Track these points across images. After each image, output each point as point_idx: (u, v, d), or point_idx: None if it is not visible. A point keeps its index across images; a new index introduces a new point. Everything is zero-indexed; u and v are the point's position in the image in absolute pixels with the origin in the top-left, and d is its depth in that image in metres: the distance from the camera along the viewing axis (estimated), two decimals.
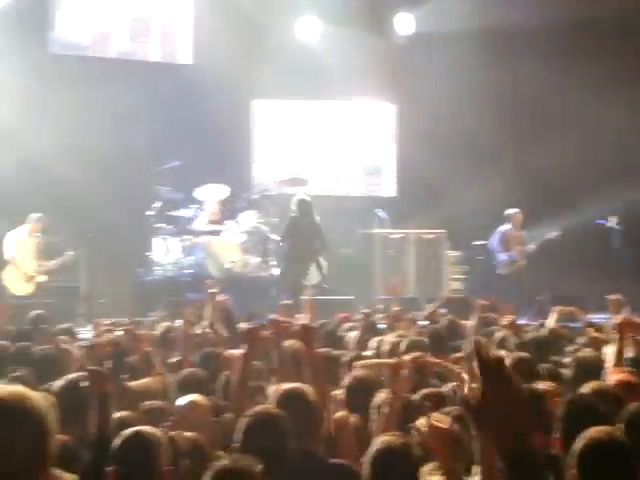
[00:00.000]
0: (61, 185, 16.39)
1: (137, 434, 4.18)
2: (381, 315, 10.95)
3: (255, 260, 17.09)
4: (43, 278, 14.95)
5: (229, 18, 17.77)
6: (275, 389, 5.21)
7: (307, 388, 5.01)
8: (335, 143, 20.05)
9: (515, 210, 16.67)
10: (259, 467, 3.88)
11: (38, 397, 2.63)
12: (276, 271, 17.03)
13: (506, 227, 16.72)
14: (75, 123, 16.64)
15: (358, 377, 5.93)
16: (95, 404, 4.61)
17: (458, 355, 7.48)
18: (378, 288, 16.02)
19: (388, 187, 20.14)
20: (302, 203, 15.94)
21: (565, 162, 17.87)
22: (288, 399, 4.90)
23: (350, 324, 10.23)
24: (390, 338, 8.12)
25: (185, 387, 6.15)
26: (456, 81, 18.58)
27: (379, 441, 4.23)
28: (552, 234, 16.52)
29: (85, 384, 4.80)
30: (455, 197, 17.86)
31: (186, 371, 6.55)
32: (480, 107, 18.26)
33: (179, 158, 17.07)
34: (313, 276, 15.79)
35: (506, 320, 9.08)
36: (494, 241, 16.73)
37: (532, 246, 16.55)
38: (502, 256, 16.58)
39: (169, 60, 18.88)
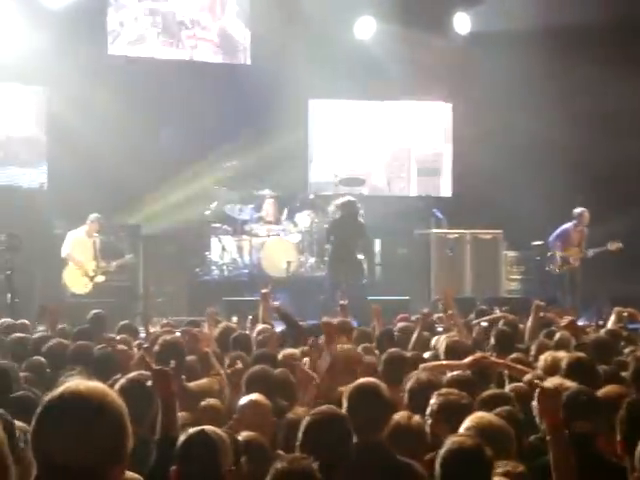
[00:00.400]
0: (120, 185, 16.53)
1: (200, 433, 4.18)
2: (437, 316, 10.90)
3: (311, 260, 17.12)
4: (101, 278, 15.07)
5: (286, 19, 17.79)
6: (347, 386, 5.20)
7: (380, 383, 5.01)
8: (392, 143, 20.01)
9: (583, 209, 16.32)
10: (316, 466, 3.89)
11: (115, 394, 2.62)
12: None
13: (569, 225, 16.41)
14: (133, 123, 16.77)
15: (420, 379, 5.91)
16: (160, 404, 4.61)
17: (515, 356, 7.43)
18: (435, 288, 15.95)
19: (445, 187, 20.07)
20: (345, 204, 15.84)
21: (627, 161, 17.66)
22: (362, 393, 4.91)
23: (404, 324, 10.18)
24: (442, 339, 8.13)
25: (252, 384, 6.09)
26: (513, 80, 18.45)
27: (450, 441, 4.19)
28: (614, 245, 16.13)
29: (149, 384, 4.79)
30: (512, 197, 17.74)
31: (257, 367, 6.49)
32: (538, 106, 18.15)
33: (236, 158, 17.13)
34: (356, 275, 15.71)
35: (564, 321, 8.97)
36: (552, 236, 16.43)
37: (590, 253, 16.22)
38: (557, 254, 16.30)
39: (227, 61, 18.96)
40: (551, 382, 5.24)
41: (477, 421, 4.70)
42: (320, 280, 16.82)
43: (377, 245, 17.82)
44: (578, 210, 16.30)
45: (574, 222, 16.32)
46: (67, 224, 15.73)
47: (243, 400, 5.46)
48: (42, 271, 15.58)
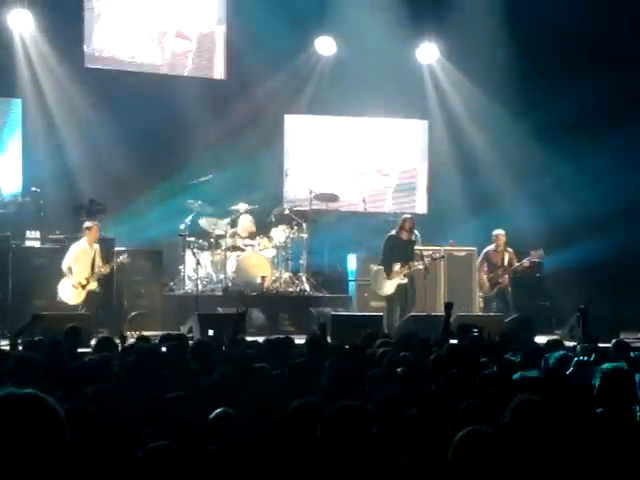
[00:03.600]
0: (94, 197, 16.46)
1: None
2: None
3: (285, 275, 17.08)
4: (94, 285, 14.77)
5: (261, 34, 17.78)
6: None
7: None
8: (367, 160, 20.05)
9: (499, 231, 16.56)
10: None
11: (51, 400, 2.61)
12: (306, 286, 17.05)
13: (489, 247, 16.65)
14: (109, 136, 16.78)
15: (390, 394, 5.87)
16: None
17: None
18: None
19: (419, 204, 20.12)
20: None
21: (597, 186, 17.62)
22: None
23: (379, 341, 10.18)
24: None
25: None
26: (486, 97, 18.60)
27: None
28: (536, 254, 16.38)
29: None
30: (487, 214, 17.78)
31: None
32: (510, 123, 18.29)
33: (211, 172, 17.10)
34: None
35: None
36: (478, 261, 16.77)
37: (525, 262, 16.40)
38: (481, 276, 16.62)
39: (203, 75, 18.94)
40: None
41: None
42: (294, 295, 16.81)
43: (353, 261, 17.76)
44: (494, 232, 16.55)
45: (494, 245, 16.56)
46: (40, 235, 15.64)
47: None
48: (14, 283, 15.39)
